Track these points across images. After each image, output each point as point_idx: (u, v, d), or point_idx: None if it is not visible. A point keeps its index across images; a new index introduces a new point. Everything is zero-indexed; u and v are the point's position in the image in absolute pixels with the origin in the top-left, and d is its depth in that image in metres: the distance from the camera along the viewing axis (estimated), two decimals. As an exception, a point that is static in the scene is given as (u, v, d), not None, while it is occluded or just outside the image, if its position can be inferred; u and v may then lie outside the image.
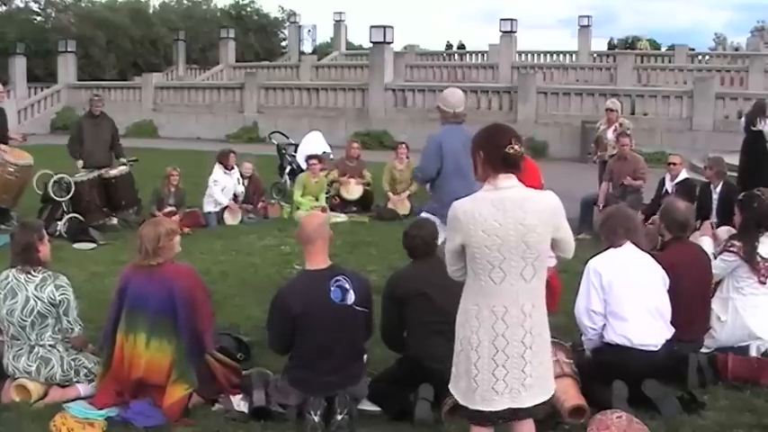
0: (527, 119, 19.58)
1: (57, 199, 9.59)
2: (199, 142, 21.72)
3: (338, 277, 4.46)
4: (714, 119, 18.25)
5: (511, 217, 3.23)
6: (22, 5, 34.37)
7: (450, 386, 3.46)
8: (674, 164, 9.25)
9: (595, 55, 31.27)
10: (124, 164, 10.61)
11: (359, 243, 9.27)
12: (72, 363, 4.81)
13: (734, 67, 25.49)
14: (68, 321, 4.78)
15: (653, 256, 5.00)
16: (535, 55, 31.01)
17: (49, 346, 4.77)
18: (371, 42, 22.60)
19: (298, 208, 11.07)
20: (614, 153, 10.16)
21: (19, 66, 27.39)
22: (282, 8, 42.39)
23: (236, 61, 32.58)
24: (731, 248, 5.39)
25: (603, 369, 4.65)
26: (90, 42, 31.72)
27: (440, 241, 5.53)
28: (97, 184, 10.06)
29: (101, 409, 4.49)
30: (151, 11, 37.75)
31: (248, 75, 25.49)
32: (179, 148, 19.71)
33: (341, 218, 10.86)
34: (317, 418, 4.29)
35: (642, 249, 4.90)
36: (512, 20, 27.69)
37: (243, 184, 11.18)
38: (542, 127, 19.52)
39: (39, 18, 34.40)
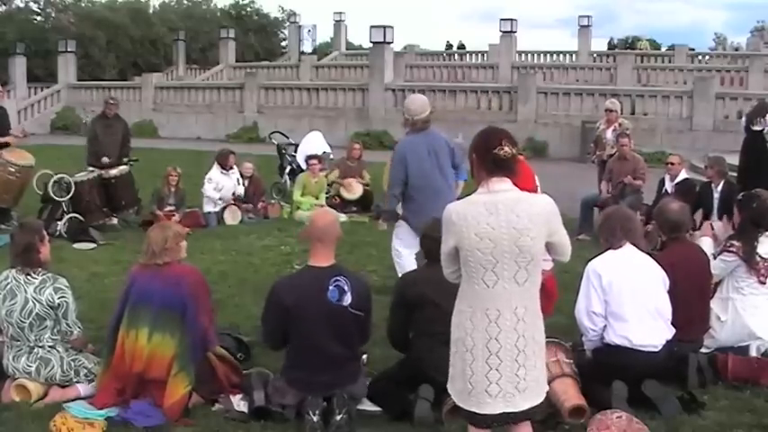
0: (527, 119, 19.59)
1: (57, 199, 9.60)
2: (199, 142, 21.74)
3: (338, 277, 4.46)
4: (714, 119, 18.25)
5: (503, 220, 3.23)
6: (22, 5, 34.41)
7: (447, 386, 3.46)
8: (673, 164, 9.25)
9: (595, 55, 31.28)
10: (124, 163, 10.62)
11: (359, 243, 9.27)
12: (72, 363, 4.81)
13: (734, 67, 25.51)
14: (67, 324, 4.78)
15: (652, 256, 5.01)
16: (535, 55, 31.02)
17: (49, 346, 4.77)
18: (371, 42, 22.61)
19: (298, 208, 11.08)
20: (613, 153, 10.16)
21: (19, 66, 27.40)
22: (282, 8, 42.49)
23: (237, 61, 32.59)
24: (730, 248, 5.40)
25: (604, 369, 4.65)
26: (90, 42, 31.73)
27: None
28: (97, 184, 10.06)
29: (101, 408, 4.48)
30: (151, 11, 37.76)
31: (248, 75, 25.50)
32: (179, 148, 19.73)
33: (341, 218, 10.84)
34: (315, 418, 4.29)
35: (642, 250, 4.90)
36: (512, 20, 27.70)
37: (243, 184, 11.19)
38: (542, 127, 19.54)
39: (39, 18, 34.42)
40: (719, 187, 8.65)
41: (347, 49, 36.61)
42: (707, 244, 6.28)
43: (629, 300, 4.66)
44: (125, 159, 10.75)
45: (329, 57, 34.71)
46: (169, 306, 4.55)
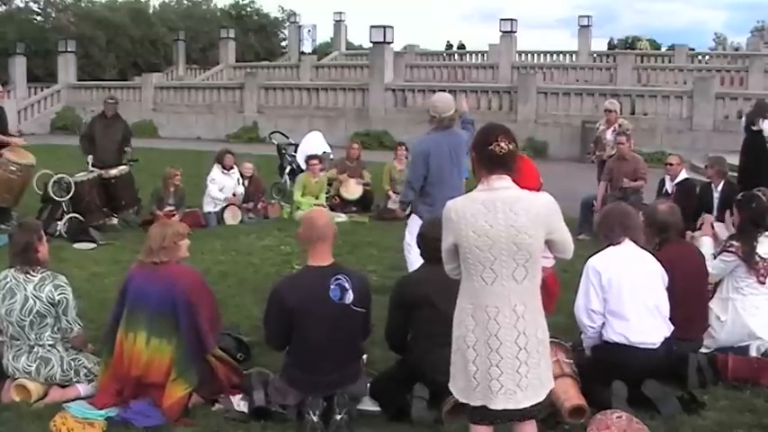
0: (527, 119, 19.58)
1: (57, 199, 9.59)
2: (199, 142, 21.74)
3: (338, 276, 4.46)
4: (714, 119, 18.25)
5: (501, 218, 3.24)
6: (22, 5, 34.37)
7: (449, 385, 3.46)
8: (671, 164, 9.24)
9: (595, 55, 31.26)
10: (124, 164, 10.62)
11: (359, 243, 9.27)
12: (72, 363, 4.81)
13: (734, 67, 25.50)
14: (67, 321, 4.78)
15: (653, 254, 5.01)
16: (535, 55, 31.02)
17: (49, 345, 4.77)
18: (371, 42, 22.60)
19: (298, 208, 11.08)
20: (613, 153, 10.16)
21: (19, 66, 27.40)
22: (282, 8, 42.46)
23: (237, 61, 32.58)
24: (730, 248, 5.40)
25: (603, 368, 4.65)
26: (90, 42, 31.71)
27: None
28: (97, 184, 10.06)
29: (101, 409, 4.48)
30: (151, 11, 37.73)
31: (248, 75, 25.49)
32: (179, 148, 19.73)
33: (341, 218, 10.86)
34: (315, 418, 4.29)
35: (641, 246, 4.91)
36: (512, 20, 27.69)
37: (243, 184, 11.19)
38: (542, 127, 19.54)
39: (39, 18, 34.39)
40: (720, 187, 8.65)
41: (347, 49, 36.60)
42: (707, 244, 6.29)
43: (629, 297, 4.66)
44: (126, 150, 10.76)
45: (329, 57, 34.70)
46: (164, 309, 4.55)
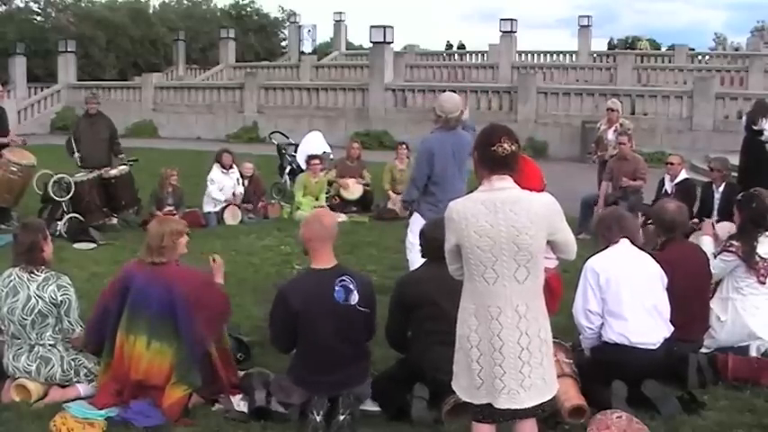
0: (527, 119, 19.58)
1: (57, 199, 9.60)
2: (199, 142, 21.74)
3: (343, 277, 4.46)
4: (714, 119, 18.25)
5: (502, 219, 3.24)
6: (22, 5, 34.36)
7: (452, 384, 3.46)
8: (672, 164, 9.24)
9: (595, 55, 31.25)
10: (124, 164, 10.62)
11: (359, 243, 9.27)
12: (72, 363, 4.81)
13: (734, 67, 25.50)
14: (69, 322, 4.78)
15: (652, 255, 5.01)
16: (535, 55, 31.01)
17: (50, 345, 4.77)
18: (371, 42, 22.59)
19: (298, 208, 11.08)
20: (614, 153, 10.15)
21: (19, 66, 27.39)
22: (282, 8, 42.42)
23: (237, 61, 32.57)
24: (730, 248, 5.40)
25: (603, 368, 4.66)
26: (90, 42, 31.69)
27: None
28: (97, 184, 10.06)
29: (101, 409, 4.48)
30: (151, 11, 37.71)
31: (248, 75, 25.48)
32: (179, 148, 19.73)
33: (341, 218, 10.85)
34: (318, 418, 4.28)
35: (638, 246, 4.92)
36: (512, 20, 27.69)
37: (243, 184, 11.19)
38: (542, 127, 19.53)
39: (39, 18, 34.37)
40: (721, 188, 8.65)
41: (347, 49, 36.59)
42: (707, 243, 6.28)
43: (627, 297, 4.67)
44: (123, 158, 10.75)
45: (329, 57, 34.69)
46: (164, 314, 4.54)
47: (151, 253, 4.61)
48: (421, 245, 4.84)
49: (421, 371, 4.49)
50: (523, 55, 30.13)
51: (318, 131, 14.01)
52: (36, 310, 4.68)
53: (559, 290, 5.73)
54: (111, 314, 4.67)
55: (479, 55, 32.32)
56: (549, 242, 3.35)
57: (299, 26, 35.45)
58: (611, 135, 10.49)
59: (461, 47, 39.47)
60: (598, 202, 9.67)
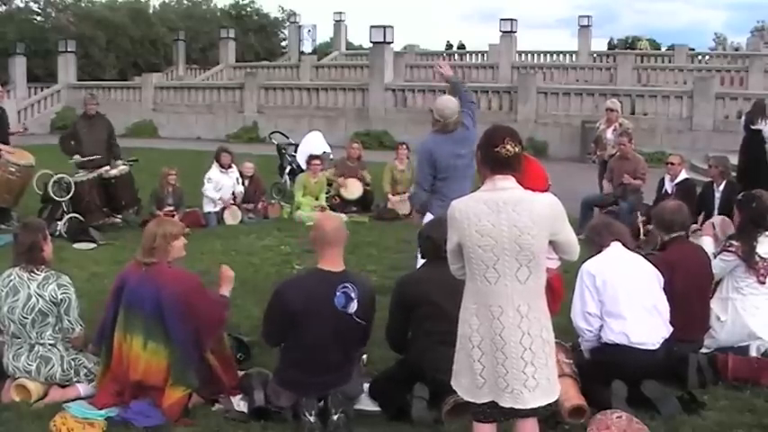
0: (527, 119, 19.58)
1: (57, 199, 9.60)
2: (199, 142, 21.73)
3: (346, 284, 4.43)
4: (714, 119, 18.25)
5: (504, 218, 3.24)
6: (22, 5, 34.37)
7: (452, 382, 3.46)
8: (673, 164, 9.24)
9: (595, 55, 31.25)
10: (124, 164, 10.62)
11: (359, 243, 9.26)
12: (72, 362, 4.81)
13: (734, 67, 25.50)
14: (69, 321, 4.79)
15: (652, 255, 5.02)
16: (535, 55, 31.01)
17: (50, 345, 4.77)
18: (371, 42, 22.60)
19: (298, 208, 11.09)
20: (614, 153, 10.16)
21: (19, 66, 27.39)
22: (282, 8, 42.43)
23: (237, 61, 32.57)
24: (730, 248, 5.40)
25: (603, 368, 4.66)
26: (90, 42, 31.69)
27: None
28: (97, 184, 10.06)
29: (101, 409, 4.48)
30: (151, 11, 37.71)
31: (248, 75, 25.48)
32: (179, 148, 19.72)
33: (341, 218, 10.86)
34: (312, 419, 4.28)
35: (629, 249, 4.94)
36: (512, 20, 27.70)
37: (243, 184, 11.19)
38: (542, 127, 19.54)
39: (39, 18, 34.38)
40: (721, 187, 8.65)
41: (347, 49, 36.59)
42: (707, 243, 6.28)
43: (625, 297, 4.68)
44: (123, 160, 10.75)
45: (329, 57, 34.69)
46: (155, 313, 4.53)
47: (144, 253, 4.60)
48: (420, 245, 4.84)
49: (421, 371, 4.49)
50: (523, 55, 30.12)
51: (318, 131, 14.01)
52: (36, 309, 4.69)
53: (561, 290, 5.74)
54: (110, 314, 4.67)
55: (479, 55, 32.32)
56: (551, 242, 3.35)
57: (299, 26, 35.46)
58: (610, 134, 10.50)
59: (461, 47, 39.49)
60: (598, 203, 9.67)
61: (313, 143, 13.09)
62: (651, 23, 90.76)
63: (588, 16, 30.97)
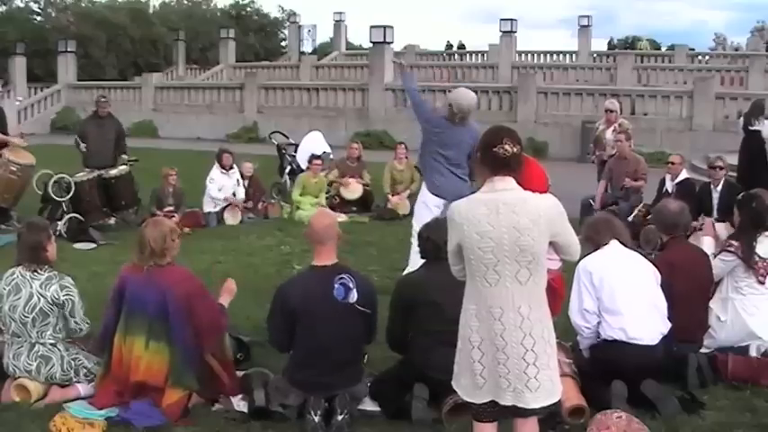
0: (527, 119, 19.58)
1: (57, 199, 9.60)
2: (199, 142, 21.72)
3: (342, 275, 4.45)
4: (714, 119, 18.25)
5: (504, 220, 3.24)
6: (22, 5, 34.39)
7: (452, 383, 3.46)
8: (674, 163, 9.24)
9: (595, 55, 31.24)
10: (124, 163, 10.62)
11: (359, 243, 9.26)
12: (72, 362, 4.81)
13: (734, 67, 25.50)
14: (76, 321, 4.81)
15: (653, 255, 5.01)
16: (535, 55, 31.00)
17: (50, 344, 4.77)
18: (371, 42, 22.60)
19: (298, 208, 11.09)
20: (614, 153, 10.15)
21: (19, 66, 27.39)
22: (282, 8, 42.50)
23: (237, 61, 32.57)
24: (729, 248, 5.40)
25: (602, 366, 4.66)
26: (90, 42, 31.71)
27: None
28: (97, 184, 10.06)
29: (101, 409, 4.49)
30: (151, 11, 37.76)
31: (248, 75, 25.49)
32: (179, 148, 19.73)
33: (341, 218, 10.85)
34: (317, 419, 4.29)
35: (628, 247, 4.94)
36: (512, 20, 27.70)
37: (243, 184, 11.19)
38: (542, 127, 19.53)
39: (39, 18, 34.40)
40: (719, 187, 8.65)
41: (347, 49, 36.58)
42: (707, 243, 6.28)
43: (622, 293, 4.69)
44: (124, 157, 10.76)
45: (329, 57, 34.68)
46: (161, 316, 4.53)
47: (153, 255, 4.57)
48: (419, 245, 4.85)
49: (421, 371, 4.49)
50: (523, 55, 30.12)
51: (318, 131, 14.00)
52: (37, 308, 4.69)
53: (562, 291, 5.73)
54: (111, 319, 4.67)
55: (479, 55, 32.31)
56: (552, 243, 3.34)
57: (299, 26, 35.46)
58: (609, 135, 10.49)
59: (461, 47, 39.43)
60: (595, 202, 9.67)
61: (313, 143, 13.09)
62: (651, 23, 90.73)
63: (588, 16, 30.98)
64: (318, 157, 11.87)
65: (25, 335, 4.75)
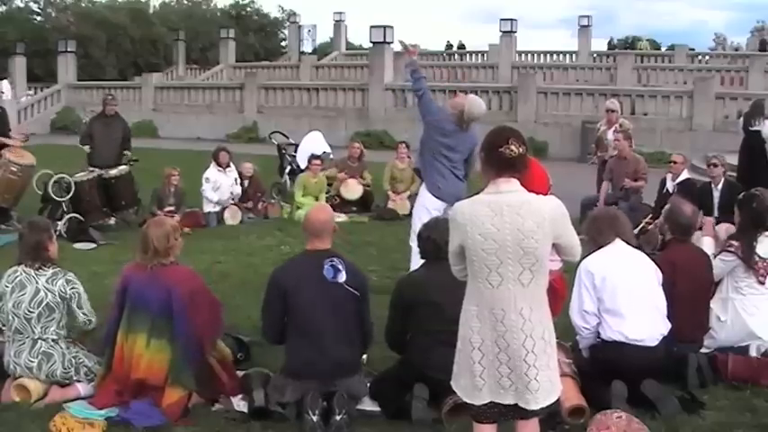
0: (527, 119, 19.58)
1: (57, 199, 9.59)
2: (199, 142, 21.70)
3: (332, 258, 4.54)
4: (714, 119, 18.25)
5: (508, 222, 3.23)
6: (22, 5, 34.40)
7: (452, 383, 3.46)
8: (676, 162, 9.23)
9: (595, 55, 31.26)
10: (124, 163, 10.62)
11: (359, 243, 9.27)
12: (73, 360, 4.82)
13: (734, 67, 25.51)
14: (84, 313, 4.85)
15: (653, 255, 5.01)
16: (535, 55, 31.02)
17: (52, 340, 4.78)
18: (371, 42, 22.61)
19: (298, 208, 11.08)
20: (615, 153, 10.15)
21: (19, 66, 27.39)
22: (282, 8, 42.57)
23: (237, 61, 32.57)
24: (729, 248, 5.40)
25: (602, 367, 4.66)
26: (90, 42, 31.74)
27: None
28: (97, 184, 10.06)
29: (101, 409, 4.49)
30: (151, 11, 37.80)
31: (248, 75, 25.49)
32: (179, 148, 19.71)
33: (341, 218, 10.85)
34: (315, 418, 4.28)
35: (632, 246, 4.93)
36: (512, 20, 27.73)
37: (242, 184, 11.19)
38: (542, 127, 19.53)
39: (39, 18, 34.42)
40: (719, 186, 8.64)
41: (347, 49, 36.59)
42: (707, 243, 6.28)
43: (624, 295, 4.68)
44: (127, 153, 10.75)
45: (329, 57, 34.68)
46: (164, 314, 4.54)
47: (157, 255, 4.59)
48: (419, 245, 4.85)
49: (421, 371, 4.49)
50: (523, 55, 30.14)
51: (318, 131, 14.00)
52: (44, 304, 4.71)
53: (563, 291, 5.73)
54: (114, 320, 4.68)
55: (479, 55, 32.34)
56: (553, 244, 3.33)
57: (299, 26, 35.47)
58: (610, 135, 10.49)
59: (461, 47, 39.41)
60: (598, 203, 9.66)
61: (313, 143, 13.09)
62: (651, 23, 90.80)
63: (588, 16, 31.02)
64: (318, 157, 11.86)
65: (28, 331, 4.75)
